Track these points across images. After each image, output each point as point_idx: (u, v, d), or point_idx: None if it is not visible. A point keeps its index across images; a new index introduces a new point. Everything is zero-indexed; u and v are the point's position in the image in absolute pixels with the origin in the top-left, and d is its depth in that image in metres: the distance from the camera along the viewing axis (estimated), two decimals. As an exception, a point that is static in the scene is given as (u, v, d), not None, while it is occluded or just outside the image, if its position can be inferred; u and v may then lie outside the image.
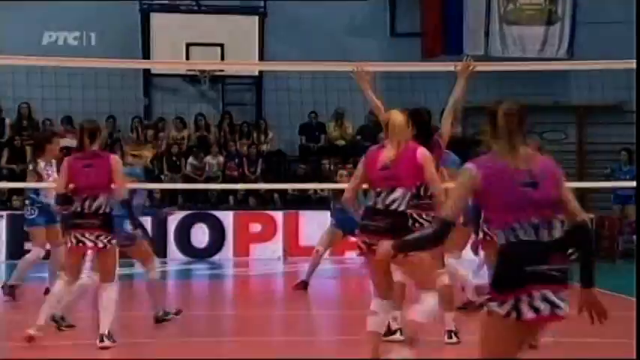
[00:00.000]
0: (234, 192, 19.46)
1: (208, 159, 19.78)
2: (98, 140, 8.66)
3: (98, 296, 8.62)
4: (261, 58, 19.79)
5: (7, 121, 20.27)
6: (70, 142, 20.28)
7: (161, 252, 17.97)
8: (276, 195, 19.36)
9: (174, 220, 17.90)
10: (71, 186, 8.48)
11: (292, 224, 18.25)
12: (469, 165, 4.73)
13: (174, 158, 19.88)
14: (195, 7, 20.68)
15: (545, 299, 4.53)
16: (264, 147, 20.39)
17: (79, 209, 8.46)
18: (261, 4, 20.65)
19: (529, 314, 4.53)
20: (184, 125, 20.52)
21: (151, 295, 9.75)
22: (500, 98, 4.90)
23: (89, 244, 8.48)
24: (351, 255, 17.60)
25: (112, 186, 8.52)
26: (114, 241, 8.56)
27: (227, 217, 18.30)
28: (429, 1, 21.24)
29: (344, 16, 21.37)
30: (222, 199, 19.38)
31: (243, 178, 19.45)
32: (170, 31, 19.81)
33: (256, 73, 20.63)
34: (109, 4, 20.45)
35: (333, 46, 20.09)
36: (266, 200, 19.46)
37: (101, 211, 8.47)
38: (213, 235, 18.28)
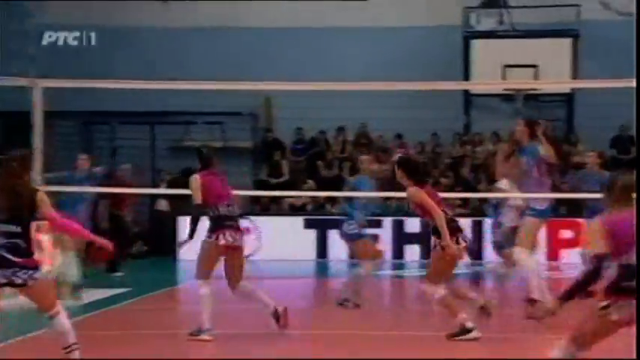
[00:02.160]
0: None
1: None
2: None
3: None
4: (575, 76, 20.61)
5: (349, 138, 22.81)
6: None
7: (477, 254, 19.80)
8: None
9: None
10: None
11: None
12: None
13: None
14: (512, 32, 21.92)
15: None
16: (573, 159, 21.41)
17: None
18: (575, 26, 21.58)
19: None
20: (499, 139, 21.90)
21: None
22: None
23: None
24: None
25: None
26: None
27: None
28: None
29: (656, 34, 21.93)
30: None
31: (553, 188, 20.50)
32: (488, 55, 21.15)
33: (568, 91, 21.79)
34: (434, 34, 22.49)
35: (643, 64, 20.81)
36: (575, 209, 20.59)
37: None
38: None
